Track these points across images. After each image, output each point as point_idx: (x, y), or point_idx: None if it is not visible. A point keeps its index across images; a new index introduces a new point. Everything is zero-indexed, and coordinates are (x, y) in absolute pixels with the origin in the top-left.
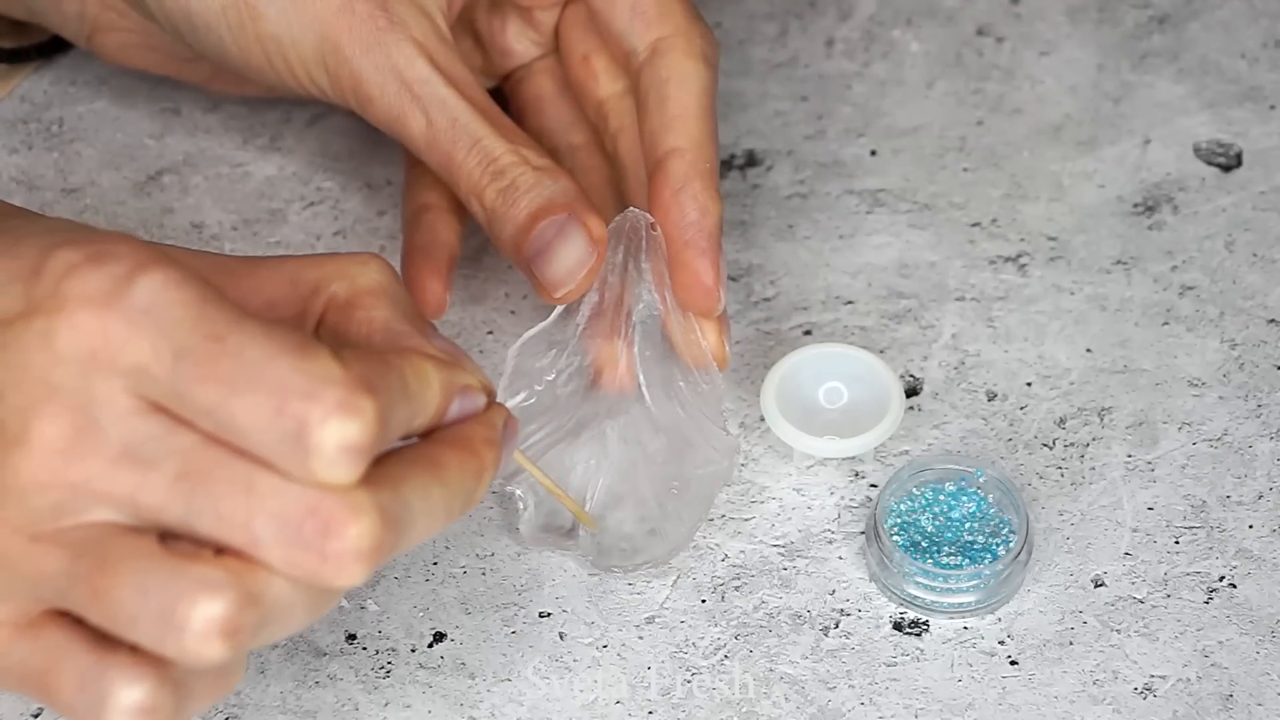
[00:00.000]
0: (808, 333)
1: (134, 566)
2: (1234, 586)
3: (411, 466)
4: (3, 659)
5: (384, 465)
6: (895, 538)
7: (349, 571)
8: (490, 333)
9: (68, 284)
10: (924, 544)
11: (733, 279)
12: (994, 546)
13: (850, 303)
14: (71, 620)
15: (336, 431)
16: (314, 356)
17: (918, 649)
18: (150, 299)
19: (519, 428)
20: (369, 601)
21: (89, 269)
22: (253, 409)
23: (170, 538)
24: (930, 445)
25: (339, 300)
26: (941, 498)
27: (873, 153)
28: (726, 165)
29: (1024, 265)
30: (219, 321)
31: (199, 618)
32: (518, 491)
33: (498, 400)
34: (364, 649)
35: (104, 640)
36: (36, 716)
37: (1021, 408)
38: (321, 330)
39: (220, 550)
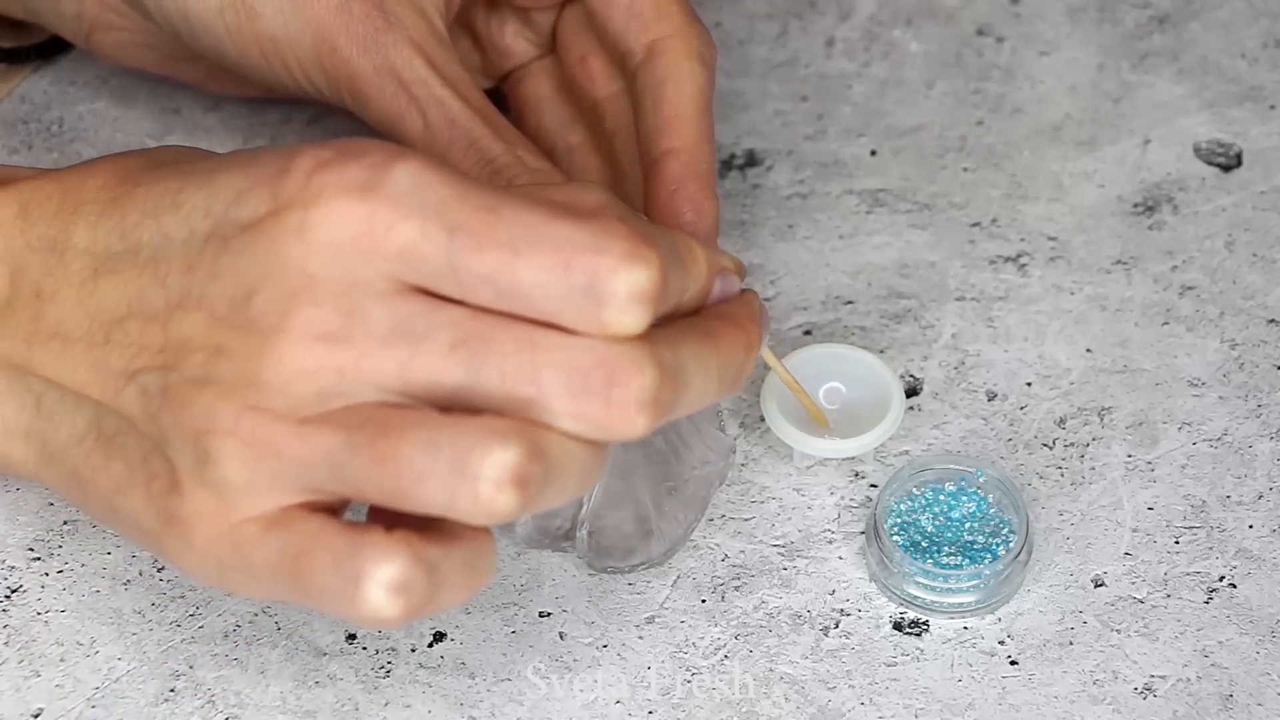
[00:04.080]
0: (808, 333)
1: (419, 426)
2: (1234, 586)
3: (687, 331)
4: (253, 554)
5: (661, 328)
6: (895, 538)
7: (633, 421)
8: None
9: (321, 177)
10: (924, 544)
11: None
12: (994, 546)
13: (850, 303)
14: (321, 508)
15: (627, 280)
16: (594, 216)
17: (918, 649)
18: (411, 182)
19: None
20: None
21: (342, 161)
22: (539, 267)
23: (444, 411)
24: (930, 445)
25: None
26: (941, 498)
27: (873, 153)
28: (726, 165)
29: (1024, 265)
30: (487, 195)
31: (494, 464)
32: None
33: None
34: (364, 649)
35: (356, 524)
36: (36, 717)
37: (1021, 408)
38: None
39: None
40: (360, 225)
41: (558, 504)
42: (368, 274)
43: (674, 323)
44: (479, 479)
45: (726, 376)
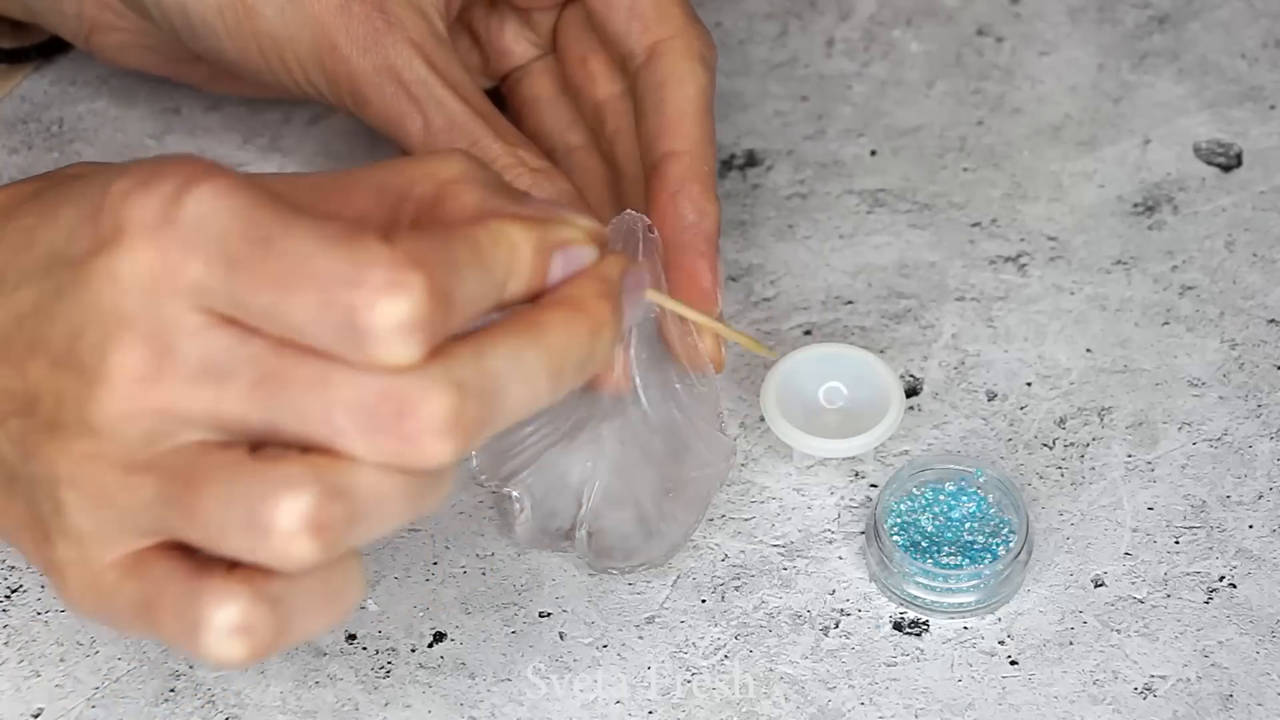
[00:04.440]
0: (808, 333)
1: (220, 478)
2: (1234, 586)
3: (500, 333)
4: (115, 599)
5: (468, 337)
6: (895, 538)
7: (431, 449)
8: None
9: (123, 213)
10: (924, 544)
11: (733, 279)
12: (994, 546)
13: (850, 303)
14: (177, 550)
15: (386, 312)
16: (357, 242)
17: (918, 649)
18: (198, 213)
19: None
20: (369, 601)
21: (140, 194)
22: (304, 305)
23: (262, 447)
24: (930, 445)
25: (426, 199)
26: (941, 498)
27: (873, 153)
28: (726, 165)
29: (1024, 265)
30: (266, 224)
31: (283, 515)
32: (514, 493)
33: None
34: (364, 649)
35: (202, 565)
36: (36, 717)
37: (1021, 408)
38: None
39: (306, 450)
40: (156, 263)
41: (392, 528)
42: (175, 310)
43: (489, 326)
44: (270, 531)
45: (566, 368)
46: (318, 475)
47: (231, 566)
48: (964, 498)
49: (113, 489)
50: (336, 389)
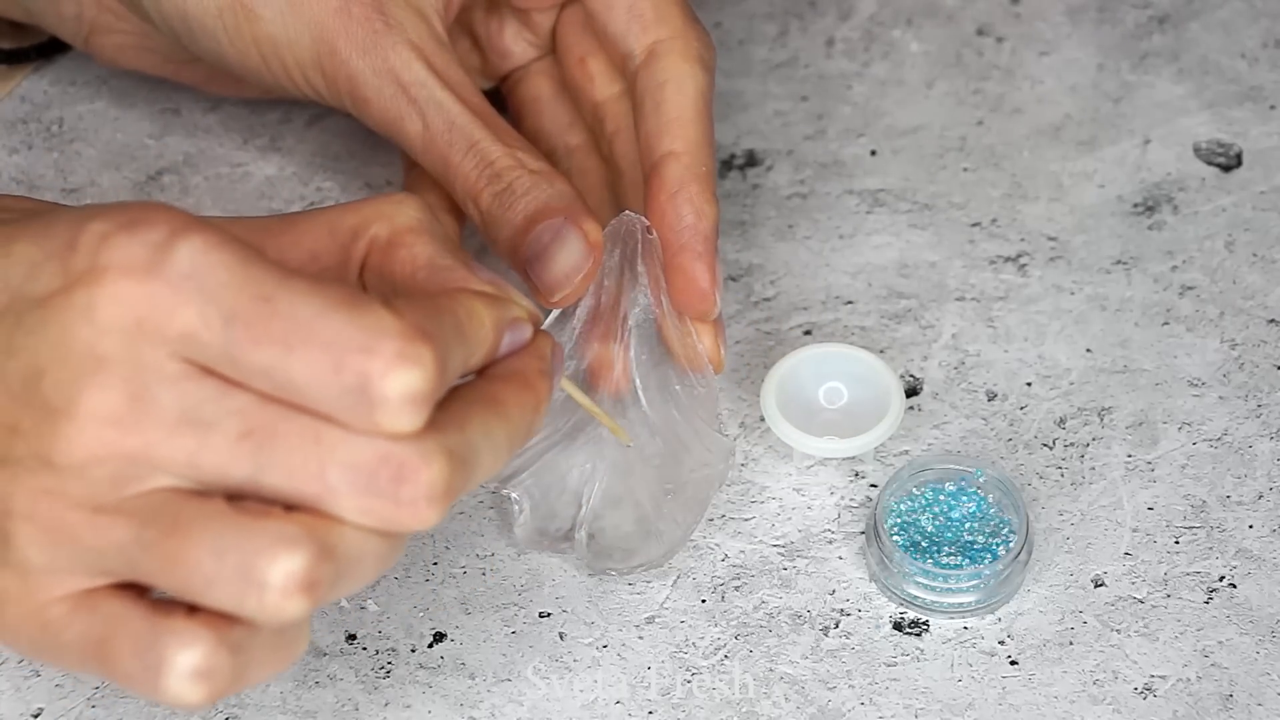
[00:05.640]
0: (808, 333)
1: (206, 527)
2: (1234, 586)
3: (474, 406)
4: (62, 634)
5: (447, 407)
6: (895, 538)
7: (424, 516)
8: None
9: (104, 254)
10: (924, 544)
11: (733, 279)
12: (994, 546)
13: (850, 303)
14: (129, 589)
15: (398, 382)
16: (367, 309)
17: (918, 649)
18: (192, 264)
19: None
20: (369, 601)
21: (124, 237)
22: (311, 367)
23: (236, 499)
24: (930, 445)
25: (380, 241)
26: (941, 498)
27: (873, 153)
28: (726, 165)
29: (1024, 265)
30: (265, 282)
31: (279, 573)
32: (514, 495)
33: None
34: (364, 649)
35: (160, 606)
36: (36, 717)
37: (1021, 408)
38: (366, 274)
39: (289, 507)
40: (143, 308)
41: (359, 588)
42: (155, 356)
43: (459, 395)
44: (265, 587)
45: (516, 440)
46: (311, 534)
47: (191, 609)
48: (964, 498)
49: (76, 527)
50: (331, 447)
